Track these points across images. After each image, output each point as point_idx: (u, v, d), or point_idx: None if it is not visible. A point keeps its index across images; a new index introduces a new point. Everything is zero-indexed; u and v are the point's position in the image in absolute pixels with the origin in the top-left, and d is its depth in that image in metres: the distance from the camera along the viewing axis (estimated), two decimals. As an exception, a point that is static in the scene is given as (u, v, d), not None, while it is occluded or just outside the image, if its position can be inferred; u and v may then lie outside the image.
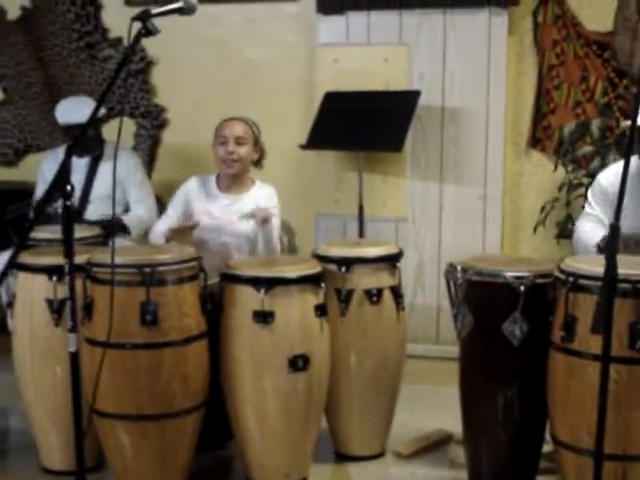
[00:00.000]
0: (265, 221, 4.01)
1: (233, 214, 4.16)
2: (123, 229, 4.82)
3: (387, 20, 5.10)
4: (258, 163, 4.26)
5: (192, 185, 4.28)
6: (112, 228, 4.39)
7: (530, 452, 3.45)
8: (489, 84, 4.99)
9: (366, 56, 5.13)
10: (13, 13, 5.88)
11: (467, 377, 3.49)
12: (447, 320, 4.69)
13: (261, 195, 4.19)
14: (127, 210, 4.98)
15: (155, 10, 2.91)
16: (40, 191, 4.95)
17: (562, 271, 3.16)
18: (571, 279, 3.08)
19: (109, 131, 5.14)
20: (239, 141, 4.15)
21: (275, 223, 4.10)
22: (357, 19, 5.15)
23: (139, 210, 4.93)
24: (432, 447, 3.90)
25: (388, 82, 5.09)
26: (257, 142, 4.22)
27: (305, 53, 5.37)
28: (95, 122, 4.89)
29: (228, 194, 4.21)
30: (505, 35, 4.97)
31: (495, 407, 3.38)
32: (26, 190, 5.27)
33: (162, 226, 4.21)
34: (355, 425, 3.76)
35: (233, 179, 4.21)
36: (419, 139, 5.07)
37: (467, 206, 5.04)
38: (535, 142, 5.15)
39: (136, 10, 2.97)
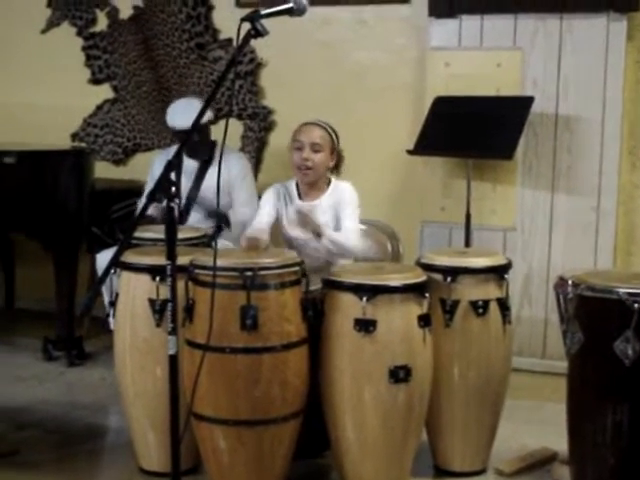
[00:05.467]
0: (313, 228, 3.89)
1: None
2: (226, 221, 4.82)
3: (501, 24, 4.99)
4: (336, 170, 4.18)
5: (273, 194, 4.20)
6: (216, 217, 4.38)
7: (638, 477, 3.31)
8: (605, 92, 4.84)
9: (478, 61, 5.03)
10: (125, 12, 5.95)
11: (575, 396, 3.36)
12: (554, 334, 4.60)
13: (334, 196, 4.10)
14: (233, 212, 4.98)
15: (265, 11, 2.89)
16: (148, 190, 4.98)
17: (679, 290, 3.02)
18: (688, 298, 2.95)
19: (217, 132, 5.15)
20: (315, 148, 4.07)
21: (351, 225, 4.00)
22: (470, 23, 5.05)
23: (244, 209, 4.91)
24: (536, 466, 3.78)
25: (500, 87, 4.97)
26: (334, 149, 4.14)
27: (415, 56, 5.29)
28: (203, 127, 4.89)
29: (305, 201, 4.13)
30: (624, 42, 4.81)
31: (604, 428, 3.24)
32: (133, 189, 5.31)
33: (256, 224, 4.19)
34: (456, 440, 3.66)
35: (309, 185, 4.14)
36: (531, 146, 4.94)
37: (579, 217, 4.89)
38: (652, 153, 4.97)
39: (247, 11, 2.95)
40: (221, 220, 4.77)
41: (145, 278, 3.55)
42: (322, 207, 4.07)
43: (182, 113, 4.89)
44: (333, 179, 4.16)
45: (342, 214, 4.06)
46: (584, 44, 4.84)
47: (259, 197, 4.86)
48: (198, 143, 4.90)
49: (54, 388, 4.75)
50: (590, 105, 4.86)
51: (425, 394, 3.46)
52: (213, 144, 5.04)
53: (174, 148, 5.03)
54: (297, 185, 4.19)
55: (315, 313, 3.44)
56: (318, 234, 3.91)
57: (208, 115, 4.94)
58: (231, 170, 4.87)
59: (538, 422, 4.27)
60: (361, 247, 4.05)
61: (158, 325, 3.52)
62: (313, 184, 4.14)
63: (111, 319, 3.78)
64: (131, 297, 3.61)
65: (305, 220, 3.89)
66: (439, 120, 4.89)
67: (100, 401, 4.54)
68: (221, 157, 3.09)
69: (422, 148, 4.87)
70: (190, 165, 4.98)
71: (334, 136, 4.14)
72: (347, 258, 4.01)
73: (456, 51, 5.09)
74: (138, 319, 3.58)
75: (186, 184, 4.95)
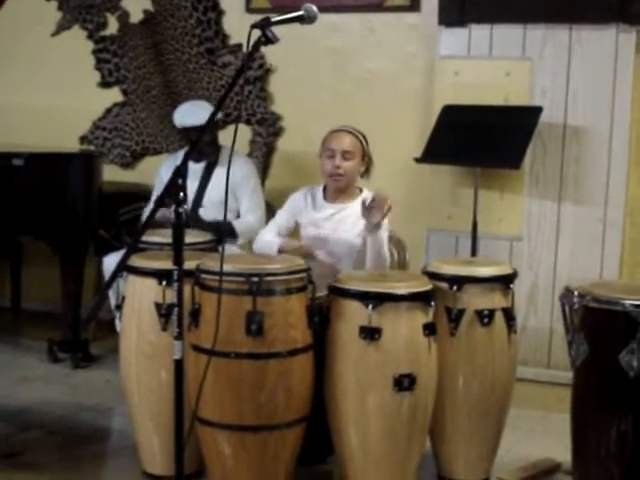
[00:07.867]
0: (378, 220, 3.86)
1: (338, 223, 4.15)
2: (232, 234, 4.83)
3: (510, 34, 4.98)
4: (365, 174, 4.22)
5: (300, 196, 4.32)
6: (221, 231, 4.41)
7: (643, 488, 3.31)
8: (614, 103, 4.82)
9: (487, 70, 5.02)
10: (136, 16, 5.96)
11: (580, 407, 3.37)
12: (560, 344, 4.59)
13: None
14: (238, 216, 5.00)
15: (275, 18, 2.89)
16: (157, 194, 5.00)
17: (684, 302, 3.02)
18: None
19: (226, 137, 5.17)
20: (346, 156, 4.12)
21: (384, 234, 4.00)
22: (479, 32, 5.04)
23: (249, 217, 4.94)
24: (539, 476, 3.78)
25: (508, 97, 4.97)
26: (365, 155, 4.18)
27: (424, 65, 5.29)
28: (212, 126, 4.91)
29: (334, 203, 4.22)
30: (633, 53, 4.80)
31: (608, 439, 3.25)
32: (141, 192, 5.33)
33: (269, 235, 4.25)
34: (460, 449, 3.66)
35: (339, 190, 4.21)
36: (539, 156, 4.94)
37: (586, 228, 4.88)
38: (659, 165, 4.97)
39: (257, 17, 2.95)
40: (228, 234, 4.78)
41: (151, 282, 3.57)
42: (352, 214, 4.10)
43: (192, 113, 4.93)
44: (365, 190, 4.20)
45: None
46: (593, 55, 4.84)
47: (269, 202, 4.93)
48: (206, 143, 4.92)
49: (59, 390, 4.77)
50: (598, 116, 4.85)
51: (429, 403, 3.46)
52: (219, 148, 5.06)
53: (181, 152, 5.06)
54: (324, 189, 4.26)
55: (321, 320, 3.45)
56: (377, 225, 3.88)
57: (218, 115, 4.97)
58: (236, 173, 4.89)
59: (542, 432, 4.27)
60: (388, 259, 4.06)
61: (164, 329, 3.53)
62: (343, 189, 4.19)
63: (117, 322, 3.80)
64: (137, 301, 3.62)
65: (379, 207, 3.84)
66: (447, 129, 4.89)
67: (105, 404, 4.55)
68: (230, 162, 3.10)
69: (430, 156, 4.87)
70: (195, 167, 5.00)
71: (364, 141, 4.18)
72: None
73: (465, 60, 5.08)
74: (144, 323, 3.59)
75: (192, 187, 4.97)
